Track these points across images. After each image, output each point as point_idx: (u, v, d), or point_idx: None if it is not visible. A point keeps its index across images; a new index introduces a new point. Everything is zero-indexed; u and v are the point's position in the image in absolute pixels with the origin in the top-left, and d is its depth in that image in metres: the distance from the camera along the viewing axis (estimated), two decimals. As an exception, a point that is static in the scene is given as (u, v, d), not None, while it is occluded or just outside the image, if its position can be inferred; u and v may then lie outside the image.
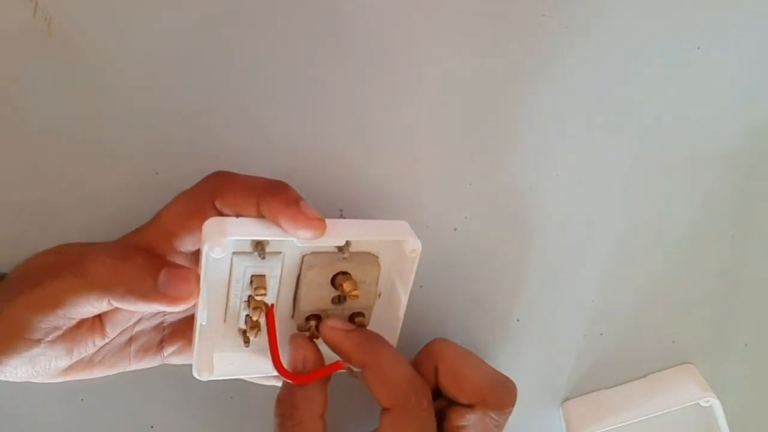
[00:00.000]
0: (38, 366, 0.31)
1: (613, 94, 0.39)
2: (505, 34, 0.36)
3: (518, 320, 0.45)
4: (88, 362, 0.34)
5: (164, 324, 0.36)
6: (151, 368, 0.36)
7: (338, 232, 0.32)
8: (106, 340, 0.33)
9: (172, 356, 0.36)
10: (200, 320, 0.32)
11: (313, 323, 0.34)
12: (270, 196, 0.30)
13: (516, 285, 0.44)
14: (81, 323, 0.31)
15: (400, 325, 0.35)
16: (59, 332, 0.30)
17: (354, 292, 0.33)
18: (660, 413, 0.44)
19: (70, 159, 0.36)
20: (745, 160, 0.42)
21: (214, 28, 0.34)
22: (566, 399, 0.48)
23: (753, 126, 0.41)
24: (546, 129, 0.39)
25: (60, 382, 0.34)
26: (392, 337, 0.36)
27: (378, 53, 0.36)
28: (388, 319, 0.36)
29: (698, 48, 0.38)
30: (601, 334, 0.46)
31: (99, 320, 0.32)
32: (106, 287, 0.29)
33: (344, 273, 0.33)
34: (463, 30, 0.36)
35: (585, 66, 0.38)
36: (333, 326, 0.33)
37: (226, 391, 0.40)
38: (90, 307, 0.29)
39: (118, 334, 0.34)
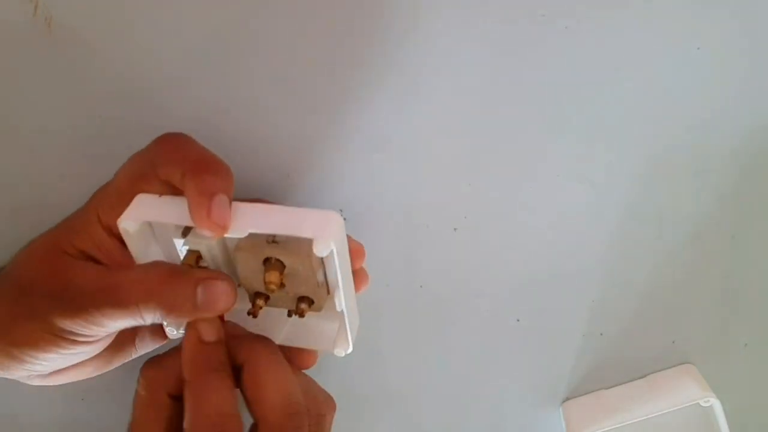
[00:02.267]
0: (57, 362, 0.31)
1: (612, 94, 0.39)
2: (504, 34, 0.36)
3: (518, 320, 0.45)
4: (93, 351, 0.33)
5: None
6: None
7: (243, 223, 0.30)
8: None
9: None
10: None
11: (260, 302, 0.33)
12: (191, 175, 0.30)
13: (516, 285, 0.44)
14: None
15: (345, 318, 0.33)
16: (91, 339, 0.31)
17: (271, 285, 0.31)
18: (660, 413, 0.44)
19: (70, 159, 0.36)
20: (745, 160, 0.42)
21: (214, 27, 0.34)
22: (566, 399, 0.48)
23: (753, 126, 0.41)
24: (545, 128, 0.39)
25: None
26: (342, 331, 0.34)
27: (378, 53, 0.36)
28: (333, 310, 0.33)
29: (698, 48, 0.38)
30: (601, 334, 0.46)
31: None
32: (145, 313, 0.29)
33: (275, 260, 0.32)
34: (462, 30, 0.36)
35: (584, 65, 0.38)
36: (199, 328, 0.31)
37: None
38: (124, 325, 0.30)
39: None
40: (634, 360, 0.47)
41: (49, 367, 0.32)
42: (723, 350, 0.48)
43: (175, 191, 0.31)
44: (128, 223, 0.30)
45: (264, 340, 0.32)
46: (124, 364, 0.36)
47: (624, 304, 0.45)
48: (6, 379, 0.32)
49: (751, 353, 0.48)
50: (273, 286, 0.31)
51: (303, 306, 0.33)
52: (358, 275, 0.35)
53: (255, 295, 0.33)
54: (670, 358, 0.47)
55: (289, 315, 0.34)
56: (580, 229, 0.43)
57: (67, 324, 0.29)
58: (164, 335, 0.35)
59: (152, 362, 0.31)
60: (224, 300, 0.30)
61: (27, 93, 0.34)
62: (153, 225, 0.32)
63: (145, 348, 0.36)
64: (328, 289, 0.33)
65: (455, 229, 0.41)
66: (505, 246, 0.42)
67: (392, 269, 0.42)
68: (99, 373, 0.35)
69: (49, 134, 0.35)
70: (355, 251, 0.34)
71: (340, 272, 0.31)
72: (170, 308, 0.29)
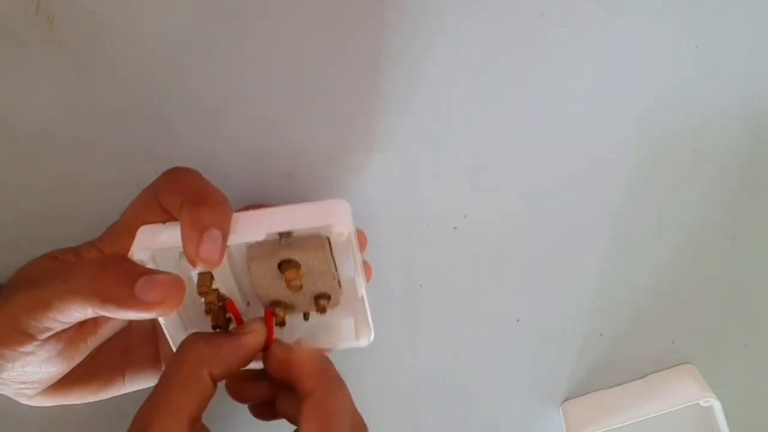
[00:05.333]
0: (29, 368, 0.31)
1: (612, 94, 0.39)
2: (504, 34, 0.36)
3: (518, 320, 0.45)
4: (82, 374, 0.33)
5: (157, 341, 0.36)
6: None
7: (256, 228, 0.31)
8: (98, 340, 0.33)
9: None
10: (159, 319, 0.32)
11: (280, 311, 0.34)
12: (187, 207, 0.30)
13: (516, 285, 0.44)
14: (74, 326, 0.31)
15: (365, 306, 0.34)
16: (50, 332, 0.30)
17: (294, 282, 0.32)
18: (660, 413, 0.44)
19: (70, 159, 0.36)
20: (745, 160, 0.42)
21: (215, 27, 0.34)
22: (566, 399, 0.48)
23: (752, 125, 0.41)
24: (545, 128, 0.39)
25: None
26: (362, 319, 0.34)
27: (378, 52, 0.36)
28: (352, 300, 0.34)
29: (696, 47, 0.38)
30: (601, 334, 0.46)
31: (93, 321, 0.32)
32: (87, 296, 0.29)
33: (289, 261, 0.32)
34: (462, 30, 0.36)
35: (583, 65, 0.38)
36: (309, 344, 0.32)
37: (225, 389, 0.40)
38: (76, 313, 0.29)
39: (111, 346, 0.34)
40: (634, 360, 0.47)
41: (26, 376, 0.31)
42: (723, 350, 0.48)
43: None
44: (141, 252, 0.30)
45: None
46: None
47: (624, 304, 0.45)
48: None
49: (751, 353, 0.48)
50: (296, 282, 0.31)
51: (323, 302, 0.34)
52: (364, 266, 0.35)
53: (273, 305, 0.33)
54: (670, 358, 0.47)
55: (306, 318, 0.35)
56: (579, 229, 0.43)
57: (27, 315, 0.29)
58: (153, 367, 0.35)
59: (201, 339, 0.31)
60: (160, 292, 0.29)
61: (28, 92, 0.34)
62: (160, 255, 0.32)
63: (135, 384, 0.35)
64: (339, 283, 0.34)
65: (455, 228, 0.41)
66: (505, 245, 0.42)
67: (392, 269, 0.42)
68: (87, 400, 0.34)
69: (50, 134, 0.35)
70: (361, 238, 0.35)
71: (357, 256, 0.32)
72: (107, 295, 0.29)
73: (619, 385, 0.48)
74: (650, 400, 0.46)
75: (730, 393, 0.45)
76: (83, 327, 0.32)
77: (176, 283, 0.29)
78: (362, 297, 0.33)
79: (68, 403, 0.34)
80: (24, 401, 0.33)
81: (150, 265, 0.31)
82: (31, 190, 0.36)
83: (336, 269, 0.33)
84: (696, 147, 0.41)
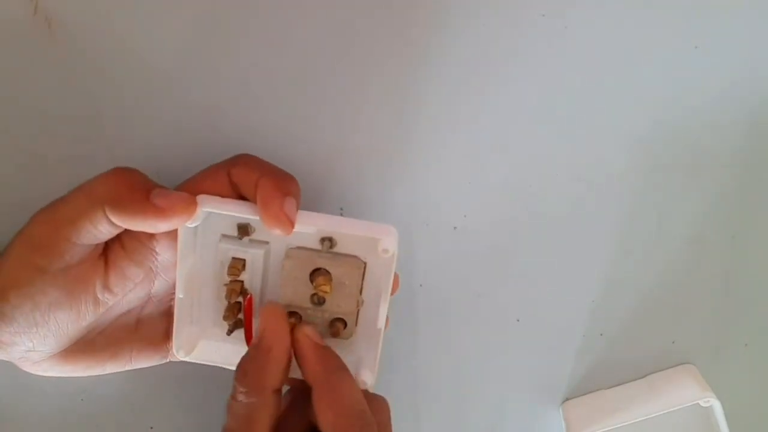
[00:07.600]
0: (38, 313, 0.30)
1: (612, 94, 0.39)
2: (504, 34, 0.36)
3: (518, 320, 0.45)
4: (92, 345, 0.33)
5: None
6: (150, 367, 0.36)
7: (311, 222, 0.31)
8: (107, 296, 0.33)
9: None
10: (177, 293, 0.32)
11: (292, 320, 0.34)
12: (268, 177, 0.31)
13: (516, 285, 0.44)
14: (84, 261, 0.31)
15: (380, 339, 0.34)
16: (61, 260, 0.30)
17: (323, 287, 0.32)
18: (660, 413, 0.44)
19: (71, 159, 0.36)
20: (745, 160, 0.42)
21: (215, 28, 0.34)
22: (566, 399, 0.48)
23: (752, 126, 0.41)
24: (545, 128, 0.39)
25: (62, 380, 0.34)
26: (373, 351, 0.34)
27: (378, 52, 0.36)
28: (369, 331, 0.35)
29: (696, 47, 0.38)
30: (601, 334, 0.46)
31: (103, 261, 0.32)
32: (102, 199, 0.30)
33: (324, 270, 0.33)
34: (463, 29, 0.36)
35: (584, 66, 0.38)
36: (307, 333, 0.32)
37: (226, 391, 0.40)
38: (89, 225, 0.30)
39: (125, 319, 0.34)
40: (634, 360, 0.47)
41: (34, 330, 0.31)
42: (723, 350, 0.48)
43: (239, 197, 0.32)
44: (203, 209, 0.31)
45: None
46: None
47: (624, 304, 0.45)
48: (6, 381, 0.32)
49: (751, 353, 0.48)
50: (325, 287, 0.32)
51: (338, 325, 0.34)
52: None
53: (290, 315, 0.34)
54: (670, 358, 0.47)
55: None
56: (579, 229, 0.43)
57: (40, 234, 0.30)
58: (162, 347, 0.35)
59: (248, 365, 0.31)
60: (173, 199, 0.30)
61: (27, 92, 0.34)
62: (205, 229, 0.33)
63: (141, 360, 0.36)
64: (358, 316, 0.34)
65: (455, 227, 0.41)
66: (505, 245, 0.42)
67: (392, 269, 0.42)
68: (93, 372, 0.34)
69: (50, 134, 0.35)
70: (395, 282, 0.35)
71: (388, 290, 0.32)
72: (124, 199, 0.30)
73: (619, 385, 0.48)
74: (650, 400, 0.45)
75: (730, 393, 0.45)
76: (93, 267, 0.32)
77: (189, 197, 0.31)
78: (379, 329, 0.33)
79: (74, 373, 0.34)
80: (27, 367, 0.33)
81: (191, 238, 0.31)
82: (31, 191, 0.36)
83: (361, 294, 0.34)
84: (696, 147, 0.41)
